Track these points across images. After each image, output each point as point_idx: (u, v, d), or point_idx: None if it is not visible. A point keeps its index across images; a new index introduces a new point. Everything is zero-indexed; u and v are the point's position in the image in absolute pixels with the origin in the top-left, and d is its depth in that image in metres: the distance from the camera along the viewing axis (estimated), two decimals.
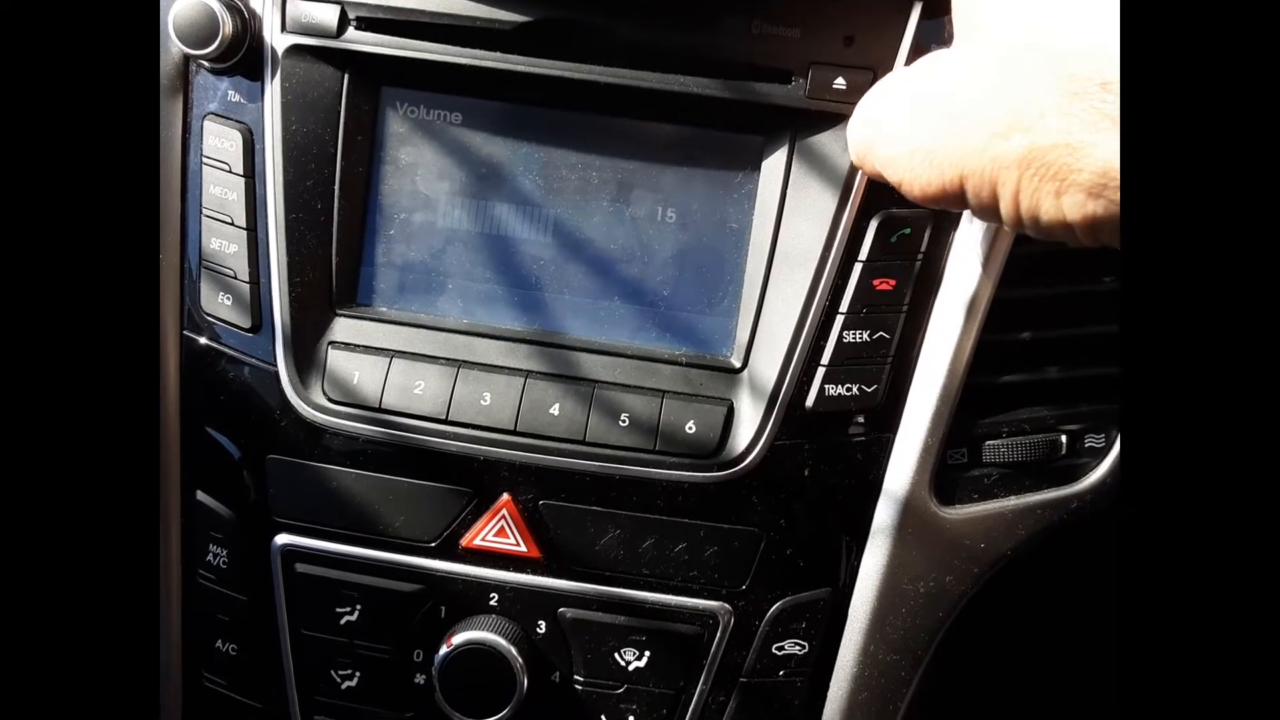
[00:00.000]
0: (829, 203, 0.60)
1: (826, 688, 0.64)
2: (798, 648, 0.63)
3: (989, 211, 0.43)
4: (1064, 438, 0.63)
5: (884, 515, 0.62)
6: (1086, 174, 0.39)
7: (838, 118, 0.59)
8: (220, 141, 0.64)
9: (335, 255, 0.64)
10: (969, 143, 0.42)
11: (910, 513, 0.62)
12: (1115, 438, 0.63)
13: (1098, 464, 0.63)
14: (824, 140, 0.60)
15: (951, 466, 0.63)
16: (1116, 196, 0.38)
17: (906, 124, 0.45)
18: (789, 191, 0.62)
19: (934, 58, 0.46)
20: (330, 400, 0.63)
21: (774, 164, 0.62)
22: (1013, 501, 0.63)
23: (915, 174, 0.45)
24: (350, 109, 0.63)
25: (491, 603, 0.63)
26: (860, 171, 0.59)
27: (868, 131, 0.48)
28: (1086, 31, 0.39)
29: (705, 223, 0.63)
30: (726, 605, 0.63)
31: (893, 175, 0.46)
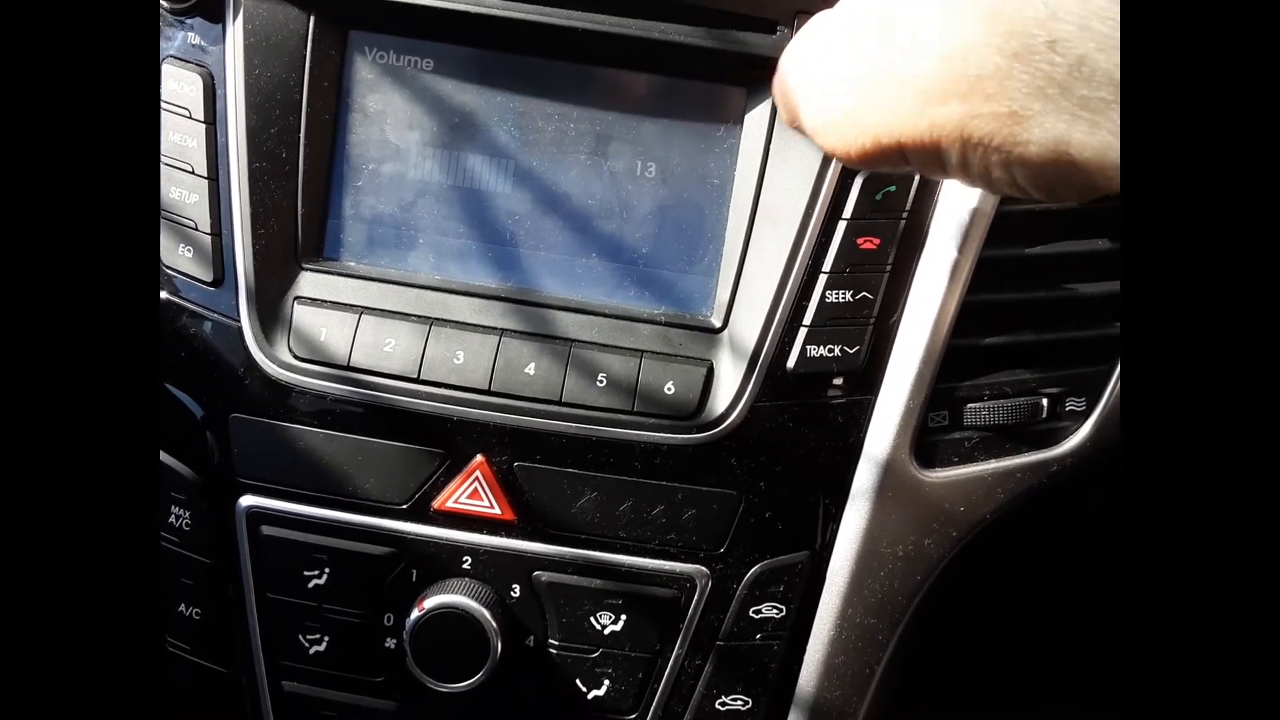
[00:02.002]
0: (813, 158, 0.59)
1: (803, 651, 0.64)
2: (775, 611, 0.63)
3: (939, 174, 0.40)
4: (1045, 400, 0.62)
5: (864, 478, 0.61)
6: (1035, 147, 0.35)
7: None
8: (180, 86, 0.61)
9: (301, 207, 0.62)
10: (903, 108, 0.37)
11: (890, 475, 0.61)
12: (1096, 401, 0.62)
13: (1078, 427, 0.62)
14: None
15: (932, 429, 0.62)
16: (1072, 168, 0.34)
17: (835, 83, 0.40)
18: (772, 146, 0.60)
19: (862, 3, 0.41)
20: (296, 358, 0.61)
21: (757, 117, 0.60)
22: (993, 465, 0.62)
23: (849, 142, 0.40)
24: (316, 53, 0.61)
25: (464, 566, 0.62)
26: None
27: (792, 92, 0.43)
28: None
29: (686, 178, 0.62)
30: (704, 569, 0.62)
31: (826, 143, 0.41)
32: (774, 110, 0.59)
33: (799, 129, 0.43)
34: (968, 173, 0.38)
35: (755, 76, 0.60)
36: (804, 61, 0.42)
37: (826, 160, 0.58)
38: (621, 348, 0.61)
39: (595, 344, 0.61)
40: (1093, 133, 0.34)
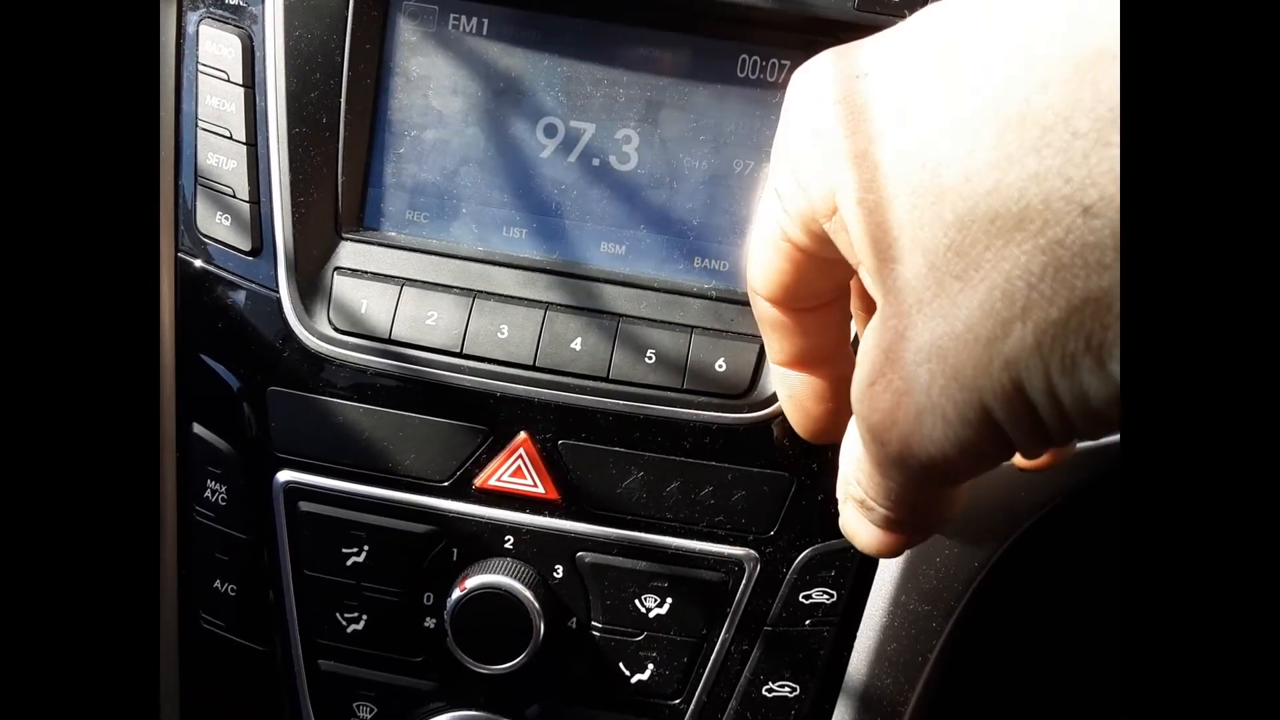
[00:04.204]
0: None
1: (854, 638, 0.62)
2: (826, 596, 0.61)
3: (1030, 432, 0.34)
4: None
5: None
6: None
7: None
8: (218, 48, 0.59)
9: (341, 174, 0.60)
10: (968, 367, 0.33)
11: None
12: None
13: None
14: None
15: None
16: None
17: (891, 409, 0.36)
18: None
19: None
20: (336, 330, 0.59)
21: None
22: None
23: (935, 439, 0.35)
24: (358, 14, 0.58)
25: (507, 545, 0.60)
26: None
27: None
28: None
29: (739, 147, 0.59)
30: (753, 552, 0.60)
31: (922, 461, 0.36)
32: None
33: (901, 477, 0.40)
34: (1060, 401, 0.32)
35: (816, 39, 0.57)
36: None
37: None
38: (671, 323, 0.59)
39: (644, 319, 0.59)
40: None
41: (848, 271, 0.42)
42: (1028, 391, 0.32)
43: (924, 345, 0.34)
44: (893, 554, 0.45)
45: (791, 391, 0.49)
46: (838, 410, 0.49)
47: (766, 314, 0.47)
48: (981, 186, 0.32)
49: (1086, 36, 0.30)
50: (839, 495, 0.46)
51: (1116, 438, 0.59)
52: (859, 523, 0.44)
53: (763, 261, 0.44)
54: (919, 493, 0.41)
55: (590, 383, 0.58)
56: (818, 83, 0.39)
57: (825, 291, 0.45)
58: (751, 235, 0.46)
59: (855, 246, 0.37)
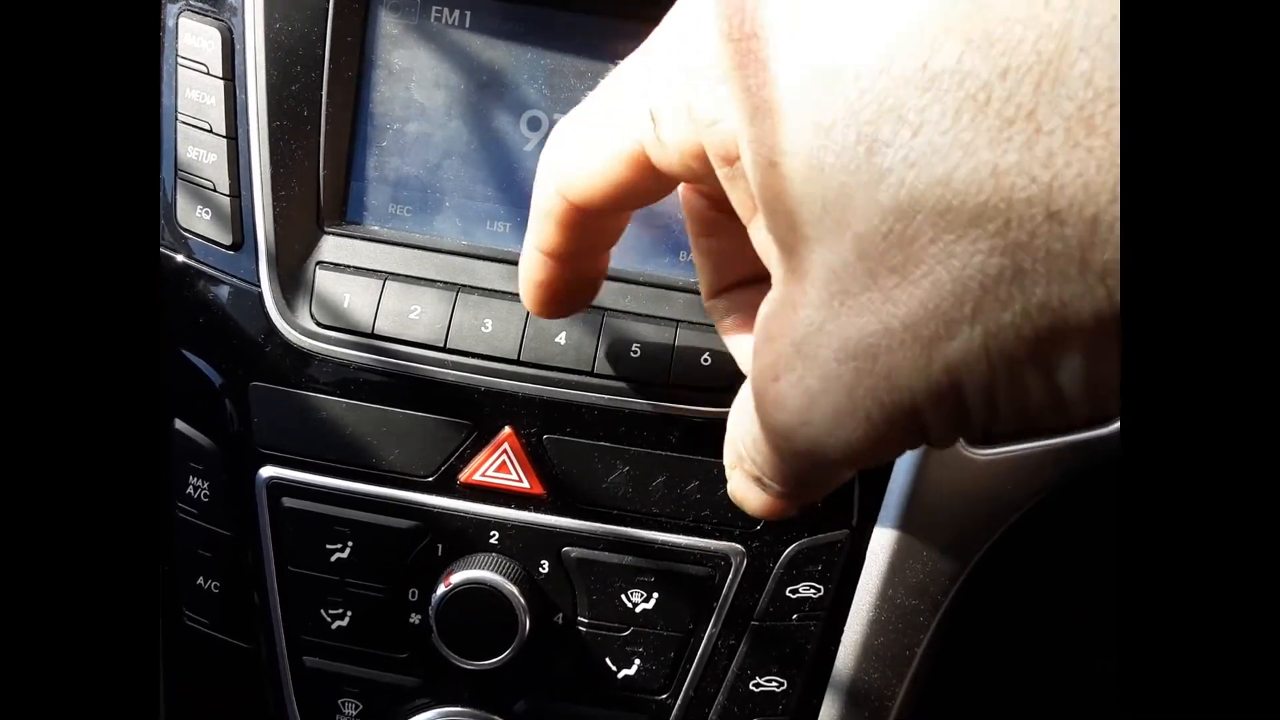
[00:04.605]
0: None
1: (841, 632, 0.62)
2: (813, 591, 0.61)
3: (954, 431, 0.32)
4: None
5: (908, 454, 0.59)
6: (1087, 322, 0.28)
7: None
8: (197, 40, 0.58)
9: (323, 168, 0.59)
10: (903, 369, 0.31)
11: (936, 452, 0.59)
12: None
13: None
14: None
15: None
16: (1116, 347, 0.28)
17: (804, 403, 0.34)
18: None
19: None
20: (319, 324, 0.59)
21: None
22: (1042, 443, 0.59)
23: (852, 439, 0.33)
24: (339, 7, 0.58)
25: (492, 541, 0.60)
26: None
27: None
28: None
29: None
30: (739, 546, 0.60)
31: (833, 456, 0.35)
32: None
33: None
34: (998, 408, 0.31)
35: None
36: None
37: None
38: (657, 316, 0.58)
39: (629, 313, 0.58)
40: None
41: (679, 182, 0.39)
42: (965, 394, 0.31)
43: (848, 343, 0.31)
44: (785, 516, 0.44)
45: (541, 277, 0.47)
46: (573, 295, 0.48)
47: (556, 209, 0.43)
48: (930, 174, 0.29)
49: (1052, 22, 0.27)
50: (727, 461, 0.43)
51: (1100, 431, 0.59)
52: (751, 491, 0.42)
53: (593, 170, 0.40)
54: (820, 474, 0.40)
55: (575, 377, 0.58)
56: None
57: (647, 200, 0.42)
58: (578, 132, 0.41)
59: (760, 214, 0.34)
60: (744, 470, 0.42)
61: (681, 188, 0.44)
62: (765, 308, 0.35)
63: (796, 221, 0.32)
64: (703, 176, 0.37)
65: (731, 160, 0.35)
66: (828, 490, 0.44)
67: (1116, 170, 0.27)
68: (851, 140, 0.30)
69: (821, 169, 0.31)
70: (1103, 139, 0.27)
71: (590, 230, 0.44)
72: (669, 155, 0.37)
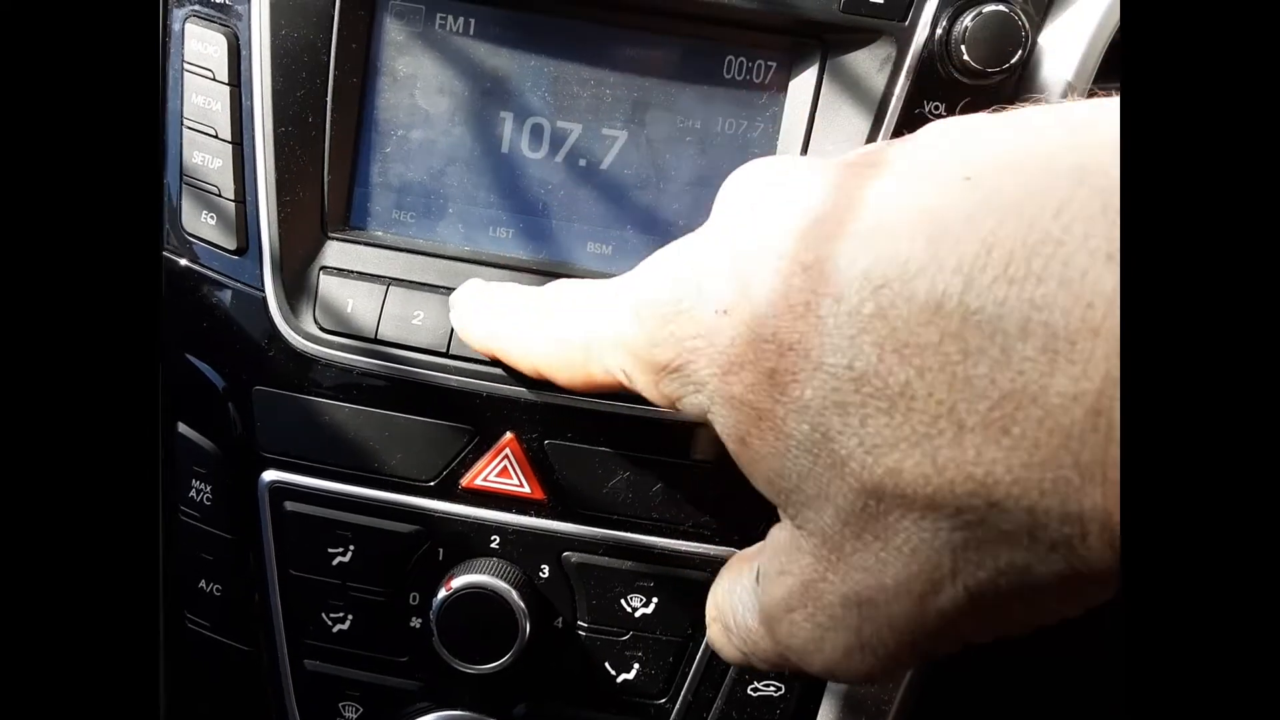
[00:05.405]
0: (860, 128, 0.56)
1: None
2: None
3: (955, 650, 0.36)
4: None
5: None
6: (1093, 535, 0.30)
7: (875, 34, 0.55)
8: (203, 46, 0.58)
9: (327, 173, 0.60)
10: (901, 618, 0.34)
11: None
12: None
13: None
14: (858, 59, 0.56)
15: None
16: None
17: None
18: (817, 115, 0.58)
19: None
20: (322, 329, 0.59)
21: (802, 84, 0.58)
22: None
23: (862, 668, 0.38)
24: (345, 13, 0.58)
25: (492, 545, 0.60)
26: (895, 93, 0.55)
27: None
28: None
29: (726, 147, 0.59)
30: (739, 552, 0.60)
31: (841, 679, 0.43)
32: (820, 77, 0.57)
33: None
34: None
35: (801, 40, 0.57)
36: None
37: (875, 130, 0.56)
38: None
39: None
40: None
41: None
42: (963, 633, 0.34)
43: (851, 593, 0.35)
44: None
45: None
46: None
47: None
48: (884, 463, 0.31)
49: (957, 325, 0.30)
50: (709, 614, 0.48)
51: None
52: (731, 649, 0.46)
53: (562, 368, 0.47)
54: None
55: None
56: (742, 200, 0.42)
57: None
58: (550, 336, 0.48)
59: (749, 476, 0.38)
60: (735, 646, 0.45)
61: None
62: (778, 532, 0.39)
63: (777, 490, 0.36)
64: (675, 400, 0.43)
65: (703, 414, 0.40)
66: None
67: (1043, 470, 0.29)
68: (806, 429, 0.33)
69: (785, 454, 0.35)
70: (1013, 440, 0.29)
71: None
72: (642, 382, 0.43)
